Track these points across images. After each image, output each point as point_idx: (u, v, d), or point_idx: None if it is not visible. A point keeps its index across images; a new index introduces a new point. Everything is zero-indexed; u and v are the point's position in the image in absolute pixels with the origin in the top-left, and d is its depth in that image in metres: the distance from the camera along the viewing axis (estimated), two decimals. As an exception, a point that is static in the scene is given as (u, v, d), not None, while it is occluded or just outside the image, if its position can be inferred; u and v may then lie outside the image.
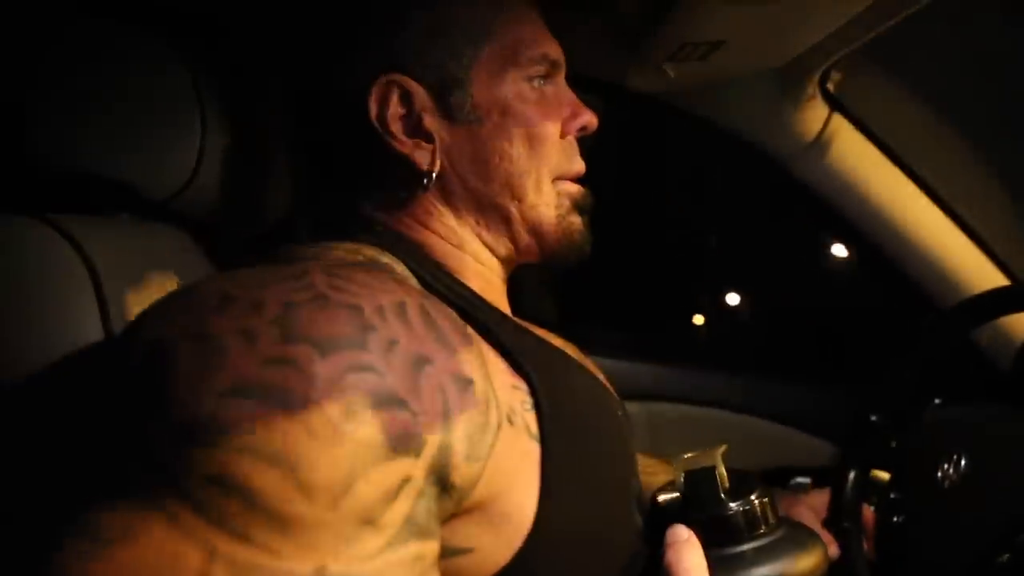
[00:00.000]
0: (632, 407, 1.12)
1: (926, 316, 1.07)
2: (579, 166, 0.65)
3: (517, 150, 0.60)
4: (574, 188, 0.65)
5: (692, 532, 0.50)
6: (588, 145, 0.67)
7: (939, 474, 0.74)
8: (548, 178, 0.62)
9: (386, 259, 0.55)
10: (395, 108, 0.57)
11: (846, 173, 1.04)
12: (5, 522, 0.38)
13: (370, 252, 0.55)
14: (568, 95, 0.65)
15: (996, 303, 0.77)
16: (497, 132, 0.59)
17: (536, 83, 0.62)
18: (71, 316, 0.52)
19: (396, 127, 0.58)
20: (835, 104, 1.02)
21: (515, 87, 0.60)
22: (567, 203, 0.63)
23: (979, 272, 1.04)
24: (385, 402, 0.37)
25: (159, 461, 0.35)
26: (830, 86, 1.01)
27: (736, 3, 0.72)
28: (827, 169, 1.04)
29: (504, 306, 0.64)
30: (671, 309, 1.70)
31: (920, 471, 0.77)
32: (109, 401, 0.38)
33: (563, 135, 0.63)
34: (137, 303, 0.57)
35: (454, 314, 0.45)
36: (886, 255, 1.07)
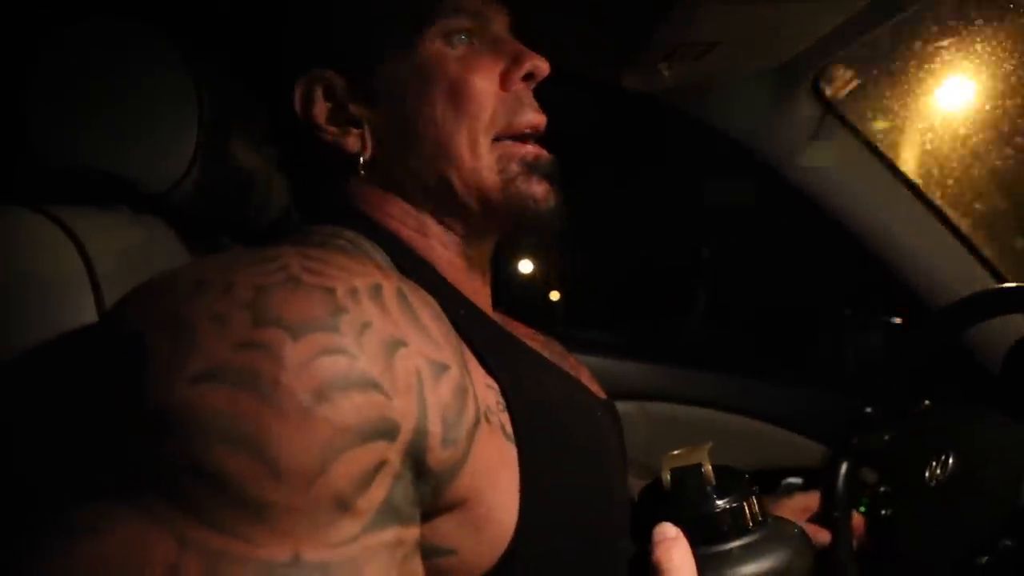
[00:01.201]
0: (627, 406, 1.13)
1: (917, 317, 1.08)
2: (529, 118, 0.59)
3: (441, 112, 0.56)
4: (522, 150, 0.59)
5: (679, 530, 0.50)
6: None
7: (927, 473, 0.75)
8: (485, 137, 0.57)
9: (365, 243, 0.55)
10: (320, 103, 0.58)
11: (838, 174, 1.05)
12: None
13: (350, 235, 0.55)
14: (508, 45, 0.60)
15: (985, 305, 0.78)
16: (419, 100, 0.56)
17: (458, 39, 0.58)
18: (66, 305, 0.52)
19: (322, 119, 0.58)
20: (828, 105, 1.03)
21: (431, 48, 0.57)
22: (514, 167, 0.58)
23: (968, 274, 1.05)
24: (358, 385, 0.36)
25: (131, 450, 0.34)
26: (823, 87, 1.01)
27: (730, 4, 0.73)
28: (819, 170, 1.05)
29: (483, 298, 0.62)
30: (664, 309, 1.71)
31: (909, 468, 0.78)
32: (85, 391, 0.38)
33: (505, 87, 0.58)
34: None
35: (433, 300, 0.44)
36: (877, 256, 1.08)
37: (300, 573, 0.34)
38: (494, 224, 0.60)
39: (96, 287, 0.54)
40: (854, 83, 1.01)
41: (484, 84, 0.57)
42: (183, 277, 0.39)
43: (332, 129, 0.58)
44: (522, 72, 0.59)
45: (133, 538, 0.33)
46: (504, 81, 0.58)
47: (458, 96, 0.56)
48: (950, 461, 0.74)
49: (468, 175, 0.57)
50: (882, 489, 0.80)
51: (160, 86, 0.65)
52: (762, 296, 1.59)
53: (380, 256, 0.54)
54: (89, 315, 0.53)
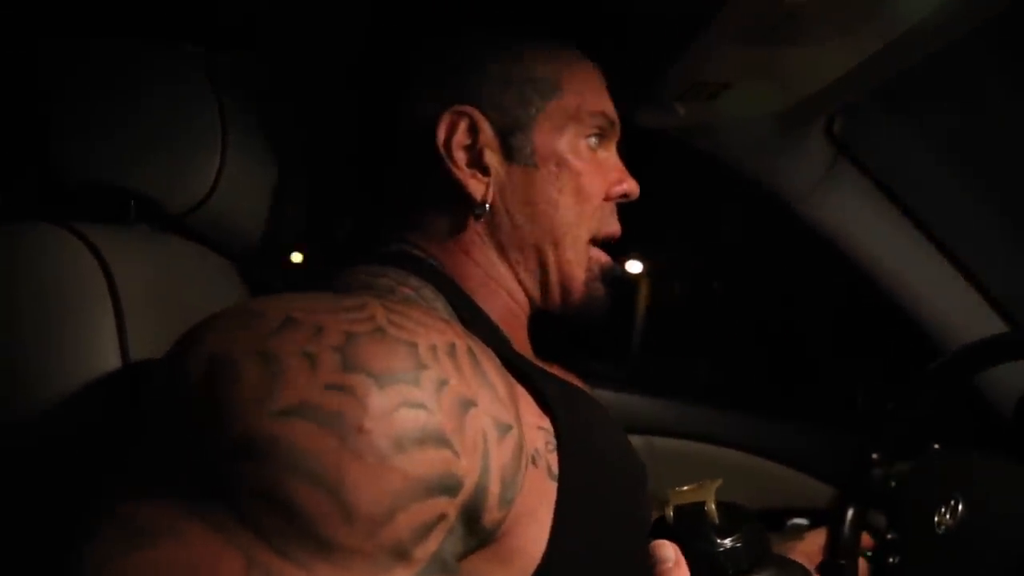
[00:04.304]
0: (634, 440, 1.12)
1: (927, 360, 1.07)
2: (614, 229, 0.68)
3: (565, 200, 0.64)
4: (605, 258, 0.68)
5: (678, 550, 0.50)
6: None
7: (936, 518, 0.74)
8: (586, 238, 0.66)
9: (428, 291, 0.57)
10: (461, 137, 0.61)
11: (850, 215, 1.06)
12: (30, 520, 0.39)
13: (414, 282, 0.57)
14: (617, 162, 0.69)
15: (997, 350, 0.77)
16: (550, 179, 0.63)
17: (591, 142, 0.66)
18: (87, 320, 0.53)
19: (459, 155, 0.61)
20: (841, 147, 1.04)
21: (573, 142, 0.64)
22: (596, 269, 0.67)
23: (980, 318, 1.05)
24: (432, 440, 0.37)
25: (212, 469, 0.35)
26: (836, 129, 1.02)
27: (745, 47, 0.74)
28: (831, 211, 1.06)
29: (527, 347, 0.67)
30: (675, 345, 1.70)
31: (917, 514, 0.77)
32: (163, 406, 0.39)
33: (607, 198, 0.67)
34: (150, 310, 0.58)
35: (496, 358, 0.46)
36: (887, 297, 1.08)
37: None
38: (558, 303, 0.67)
39: (117, 303, 0.55)
40: (866, 124, 1.02)
41: (598, 191, 0.66)
42: (270, 311, 0.40)
43: (465, 169, 0.61)
44: (622, 191, 0.68)
45: (204, 550, 0.34)
46: (608, 192, 0.67)
47: (582, 193, 0.64)
48: (959, 507, 0.73)
49: (563, 263, 0.65)
50: (889, 536, 0.79)
51: (185, 108, 0.67)
52: (771, 333, 1.59)
53: (441, 304, 0.57)
54: (109, 330, 0.54)
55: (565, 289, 0.66)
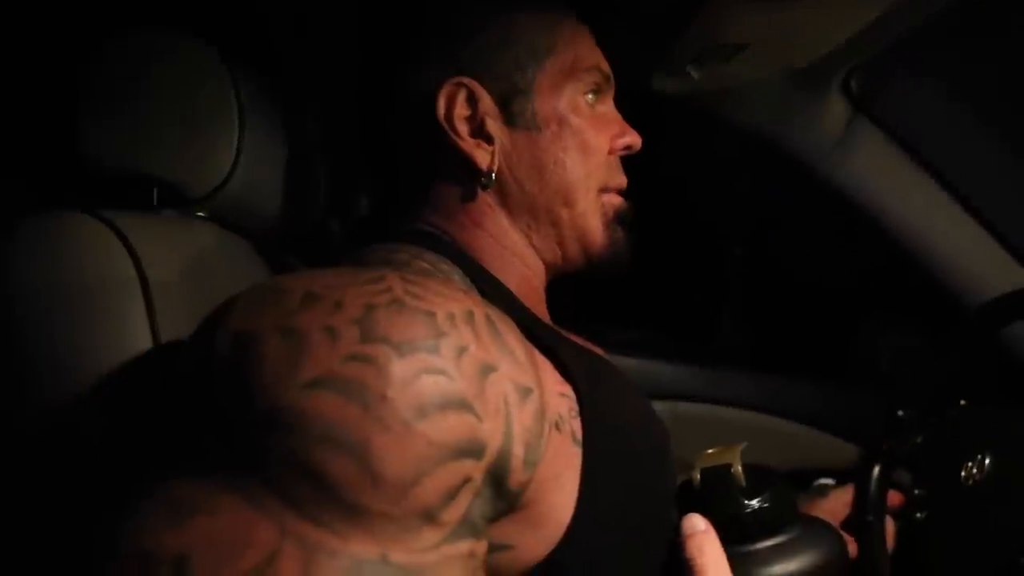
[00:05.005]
0: (658, 406, 1.13)
1: (951, 318, 1.06)
2: (622, 180, 0.69)
3: (571, 158, 0.64)
4: (618, 200, 0.68)
5: (709, 522, 0.51)
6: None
7: (963, 473, 0.74)
8: (595, 188, 0.66)
9: (444, 265, 0.58)
10: (461, 109, 0.61)
11: (869, 174, 1.04)
12: (66, 500, 0.40)
13: (430, 257, 0.58)
14: (616, 115, 0.69)
15: (1022, 304, 0.77)
16: (554, 140, 0.63)
17: (589, 98, 0.66)
18: (118, 306, 0.55)
19: (461, 126, 0.61)
20: (858, 104, 1.02)
21: (572, 100, 0.64)
22: (611, 213, 0.67)
23: (1005, 273, 1.03)
24: (454, 405, 0.38)
25: (241, 443, 0.37)
26: (853, 86, 1.01)
27: (759, 6, 0.73)
28: (850, 170, 1.04)
29: (544, 313, 0.67)
30: (694, 308, 1.70)
31: (944, 469, 0.77)
32: (192, 384, 0.40)
33: (610, 151, 0.67)
34: (178, 292, 0.59)
35: (514, 324, 0.47)
36: (911, 255, 1.07)
37: (385, 571, 0.36)
38: (580, 259, 0.67)
39: (146, 287, 0.56)
40: (884, 80, 1.00)
41: (602, 145, 0.66)
42: (291, 288, 0.41)
43: (469, 140, 0.62)
44: (624, 143, 0.68)
45: (238, 521, 0.35)
46: (611, 145, 0.67)
47: (587, 149, 0.65)
48: (987, 461, 0.73)
49: (578, 217, 0.65)
50: (916, 491, 0.79)
51: (203, 94, 0.68)
52: (793, 295, 1.57)
53: (458, 276, 0.58)
54: (139, 316, 0.55)
55: (585, 242, 0.66)
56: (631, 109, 0.71)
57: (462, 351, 0.40)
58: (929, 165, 1.04)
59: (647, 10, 0.79)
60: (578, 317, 0.79)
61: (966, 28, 0.95)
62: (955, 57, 1.04)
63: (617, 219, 0.68)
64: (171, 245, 0.63)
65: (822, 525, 0.56)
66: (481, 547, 0.41)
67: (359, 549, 0.36)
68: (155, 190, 0.68)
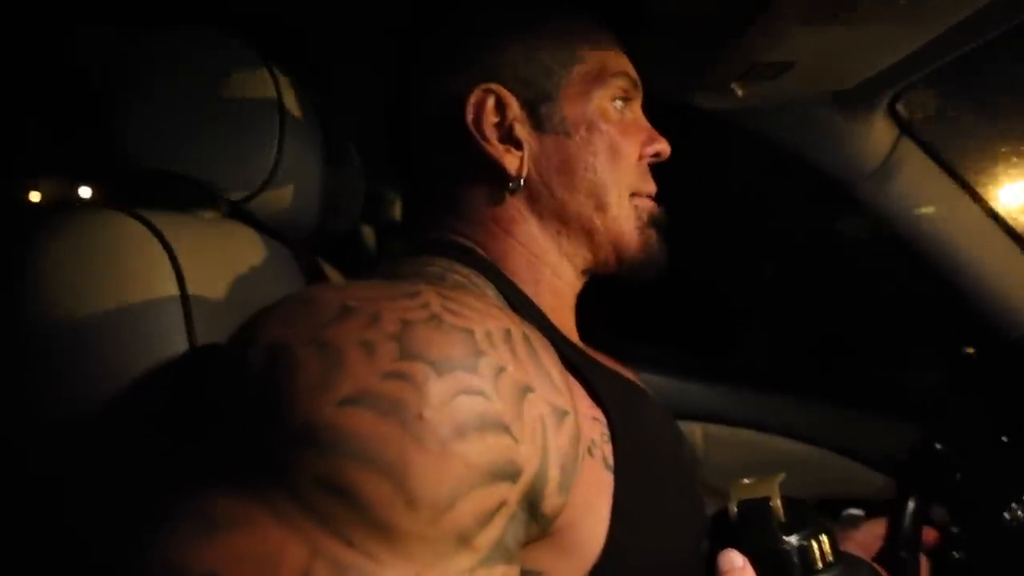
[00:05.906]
0: (686, 426, 1.11)
1: (990, 348, 1.03)
2: (652, 187, 0.68)
3: (601, 163, 0.63)
4: (650, 203, 0.67)
5: (746, 559, 0.50)
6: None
7: (1007, 514, 0.71)
8: (627, 193, 0.65)
9: (477, 279, 0.57)
10: (489, 115, 0.60)
11: (914, 198, 1.02)
12: (101, 506, 0.40)
13: (463, 271, 0.57)
14: (645, 122, 0.69)
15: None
16: (583, 145, 0.62)
17: (618, 104, 0.65)
18: (154, 305, 0.55)
19: (490, 132, 0.60)
20: (904, 127, 1.00)
21: (600, 105, 0.63)
22: (644, 216, 0.66)
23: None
24: (492, 427, 0.37)
25: (273, 459, 0.36)
26: (900, 109, 0.99)
27: (808, 25, 0.71)
28: (894, 193, 1.02)
29: (572, 329, 0.66)
30: (721, 325, 1.68)
31: (986, 508, 0.74)
32: (225, 395, 0.40)
33: (640, 158, 0.66)
34: (215, 295, 0.59)
35: (549, 344, 0.46)
36: (951, 282, 1.04)
37: None
38: (612, 264, 0.66)
39: (183, 288, 0.56)
40: (931, 104, 0.98)
41: (632, 151, 0.65)
42: (326, 300, 0.40)
43: (498, 145, 0.61)
44: (653, 150, 0.67)
45: (269, 538, 0.34)
46: (640, 152, 0.66)
47: (616, 155, 0.64)
48: (1031, 503, 0.71)
49: (610, 222, 0.64)
50: (954, 530, 0.76)
51: (245, 97, 0.68)
52: (825, 319, 1.55)
53: (492, 291, 0.57)
54: (176, 315, 0.55)
55: (618, 246, 0.65)
56: (663, 120, 0.71)
57: (500, 371, 0.39)
58: (974, 191, 1.01)
59: (694, 27, 0.77)
60: (606, 331, 0.78)
61: (1015, 53, 0.93)
62: (1004, 83, 1.02)
63: (651, 222, 0.67)
64: (208, 246, 0.62)
65: (864, 565, 0.54)
66: (513, 572, 0.40)
67: (391, 572, 0.35)
68: (193, 191, 0.68)
